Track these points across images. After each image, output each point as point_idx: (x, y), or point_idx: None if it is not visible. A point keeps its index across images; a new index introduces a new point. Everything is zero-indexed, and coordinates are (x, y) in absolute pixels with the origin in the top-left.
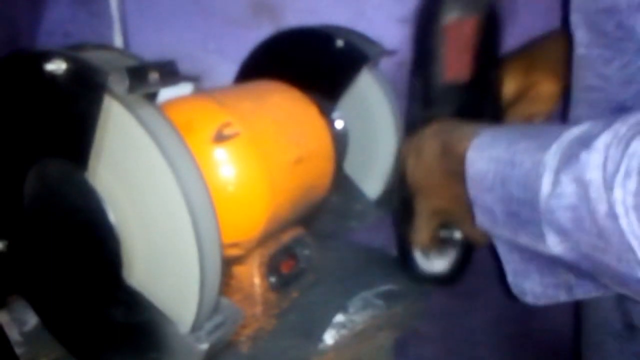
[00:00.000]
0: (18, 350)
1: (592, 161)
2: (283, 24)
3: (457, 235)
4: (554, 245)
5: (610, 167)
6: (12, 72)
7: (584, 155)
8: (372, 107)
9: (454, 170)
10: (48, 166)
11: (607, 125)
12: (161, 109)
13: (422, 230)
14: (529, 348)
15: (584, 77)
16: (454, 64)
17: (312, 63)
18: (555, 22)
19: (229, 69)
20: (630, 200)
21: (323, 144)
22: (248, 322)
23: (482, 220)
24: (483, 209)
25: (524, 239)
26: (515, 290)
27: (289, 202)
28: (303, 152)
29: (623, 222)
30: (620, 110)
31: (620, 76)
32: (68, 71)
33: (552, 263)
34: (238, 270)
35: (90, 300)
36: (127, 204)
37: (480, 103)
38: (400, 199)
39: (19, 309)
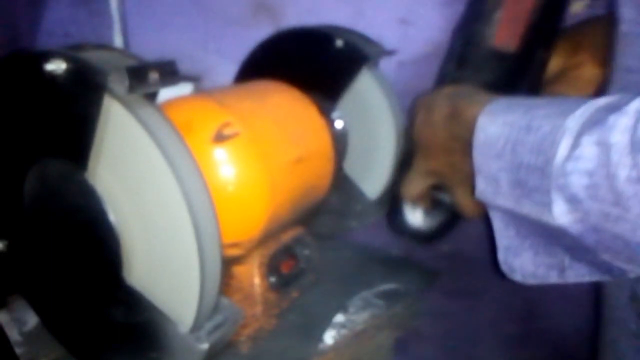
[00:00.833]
0: (18, 350)
1: (621, 124)
2: (283, 24)
3: (447, 199)
4: (560, 214)
5: None
6: (12, 72)
7: (612, 118)
8: (372, 107)
9: (460, 135)
10: (48, 166)
11: None
12: (161, 109)
13: (414, 184)
14: (529, 348)
15: (623, 57)
16: (505, 31)
17: (312, 63)
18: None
19: (229, 69)
20: None
21: (323, 144)
22: (248, 322)
23: (483, 190)
24: (487, 178)
25: (528, 209)
26: (504, 267)
27: (289, 202)
28: (303, 152)
29: None
30: None
31: None
32: (68, 71)
33: (549, 241)
34: (238, 270)
35: (90, 300)
36: (127, 204)
37: (519, 78)
38: (404, 150)
39: (19, 309)
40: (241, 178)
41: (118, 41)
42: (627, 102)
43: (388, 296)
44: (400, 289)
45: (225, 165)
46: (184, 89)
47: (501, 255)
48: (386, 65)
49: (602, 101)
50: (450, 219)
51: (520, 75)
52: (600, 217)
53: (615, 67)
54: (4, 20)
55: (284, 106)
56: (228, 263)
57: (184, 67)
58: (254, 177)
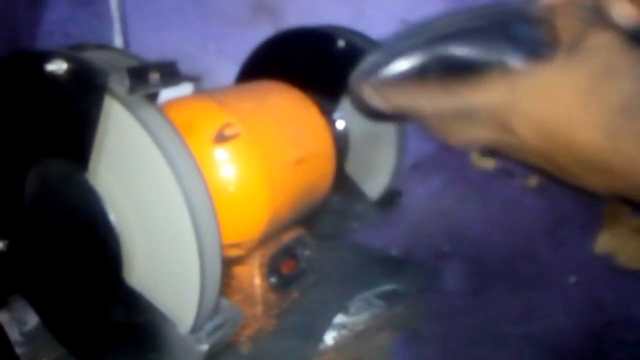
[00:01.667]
0: (18, 350)
1: None
2: (283, 24)
3: None
4: None
5: None
6: (12, 72)
7: None
8: None
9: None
10: (49, 166)
11: None
12: (162, 110)
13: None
14: (529, 348)
15: None
16: None
17: (313, 63)
18: None
19: (229, 69)
20: None
21: (324, 144)
22: (248, 322)
23: None
24: None
25: None
26: None
27: (290, 203)
28: (304, 152)
29: None
30: None
31: None
32: (69, 71)
33: None
34: (238, 270)
35: (91, 300)
36: (128, 204)
37: None
38: None
39: (19, 309)
40: (242, 178)
41: (118, 41)
42: None
43: (388, 296)
44: (400, 290)
45: (225, 166)
46: (184, 89)
47: None
48: None
49: None
50: None
51: None
52: None
53: None
54: (4, 20)
55: (284, 106)
56: (228, 263)
57: (184, 67)
58: (255, 177)
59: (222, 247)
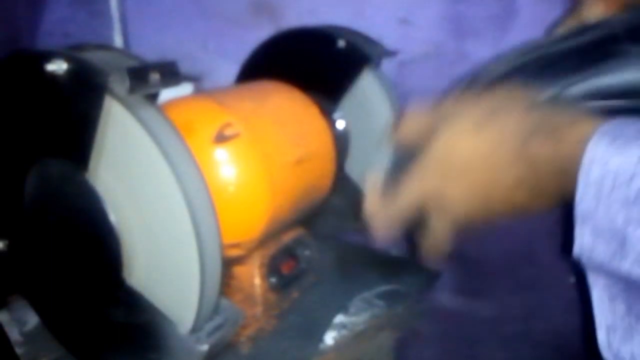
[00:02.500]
0: (18, 350)
1: None
2: (283, 24)
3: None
4: None
5: None
6: (13, 72)
7: None
8: (373, 107)
9: (549, 161)
10: (49, 166)
11: None
12: (162, 110)
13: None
14: (529, 348)
15: None
16: None
17: (313, 63)
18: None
19: (229, 69)
20: None
21: (324, 145)
22: (248, 322)
23: (591, 246)
24: (602, 231)
25: None
26: (606, 352)
27: (290, 203)
28: (304, 152)
29: None
30: None
31: None
32: (69, 71)
33: None
34: (238, 270)
35: (91, 300)
36: (128, 205)
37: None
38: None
39: (19, 309)
40: (242, 179)
41: (118, 41)
42: None
43: (388, 297)
44: (400, 290)
45: (226, 166)
46: (184, 89)
47: (602, 337)
48: (386, 65)
49: None
50: None
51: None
52: None
53: None
54: (4, 20)
55: (285, 107)
56: (228, 263)
57: (184, 67)
58: (255, 177)
59: (222, 247)
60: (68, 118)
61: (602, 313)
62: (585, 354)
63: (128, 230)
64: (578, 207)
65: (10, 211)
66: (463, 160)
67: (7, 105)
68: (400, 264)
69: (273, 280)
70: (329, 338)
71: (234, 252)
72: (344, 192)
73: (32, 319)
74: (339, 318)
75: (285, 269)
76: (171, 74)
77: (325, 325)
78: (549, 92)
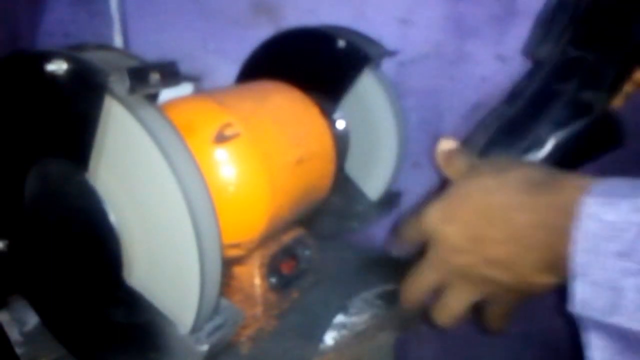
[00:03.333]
0: (18, 350)
1: None
2: (283, 24)
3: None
4: None
5: None
6: (13, 72)
7: None
8: (373, 107)
9: (547, 222)
10: (49, 166)
11: None
12: (162, 110)
13: (457, 299)
14: (529, 348)
15: None
16: None
17: (313, 63)
18: None
19: (229, 69)
20: None
21: (324, 145)
22: (248, 322)
23: (587, 301)
24: (598, 285)
25: None
26: None
27: (290, 203)
28: (304, 152)
29: None
30: None
31: None
32: (69, 71)
33: None
34: (238, 270)
35: (91, 300)
36: (128, 205)
37: None
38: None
39: (19, 309)
40: (242, 179)
41: (118, 41)
42: None
43: (388, 297)
44: (400, 290)
45: (226, 166)
46: (184, 89)
47: None
48: (386, 65)
49: None
50: None
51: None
52: None
53: None
54: (4, 20)
55: (285, 107)
56: (229, 264)
57: (184, 67)
58: (255, 177)
59: (222, 247)
60: (68, 118)
61: None
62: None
63: (128, 230)
64: (573, 262)
65: (10, 211)
66: (495, 208)
67: (7, 106)
68: (400, 264)
69: (273, 280)
70: (329, 338)
71: (234, 252)
72: (344, 192)
73: (33, 319)
74: (339, 318)
75: (285, 269)
76: (171, 74)
77: (326, 325)
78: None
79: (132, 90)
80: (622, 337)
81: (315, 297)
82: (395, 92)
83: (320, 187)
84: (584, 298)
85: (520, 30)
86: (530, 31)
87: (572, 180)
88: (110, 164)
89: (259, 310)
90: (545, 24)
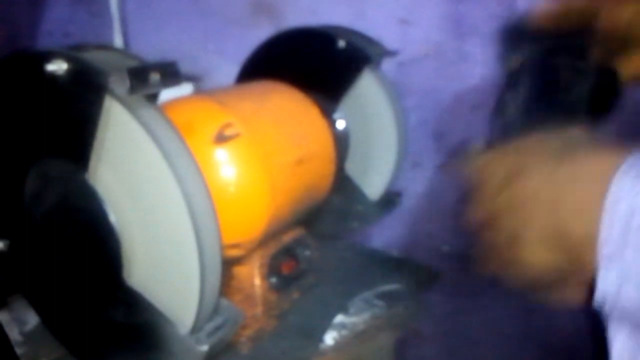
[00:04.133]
0: (18, 350)
1: None
2: (283, 24)
3: None
4: None
5: None
6: (13, 72)
7: None
8: (373, 107)
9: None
10: (49, 166)
11: None
12: (162, 110)
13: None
14: (529, 348)
15: None
16: None
17: (313, 63)
18: None
19: (229, 69)
20: None
21: (324, 145)
22: (248, 323)
23: (614, 290)
24: (630, 273)
25: None
26: None
27: (290, 203)
28: (304, 152)
29: None
30: None
31: None
32: (69, 72)
33: None
34: (238, 271)
35: (91, 300)
36: (128, 205)
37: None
38: None
39: (19, 309)
40: (242, 179)
41: (118, 41)
42: None
43: (388, 297)
44: (400, 290)
45: (226, 166)
46: (184, 89)
47: None
48: (386, 65)
49: None
50: None
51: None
52: None
53: None
54: (4, 20)
55: (285, 107)
56: (228, 264)
57: (184, 67)
58: (255, 178)
59: (222, 247)
60: (68, 118)
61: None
62: (585, 354)
63: (128, 230)
64: (603, 250)
65: (10, 211)
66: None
67: (7, 106)
68: (400, 264)
69: (273, 280)
70: (329, 338)
71: (234, 252)
72: (344, 192)
73: (33, 319)
74: (339, 318)
75: (285, 269)
76: (171, 74)
77: (326, 325)
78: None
79: (132, 90)
80: None
81: (315, 297)
82: (395, 92)
83: (320, 187)
84: (613, 289)
85: None
86: (498, 46)
87: (605, 156)
88: (110, 164)
89: (259, 310)
90: (510, 41)
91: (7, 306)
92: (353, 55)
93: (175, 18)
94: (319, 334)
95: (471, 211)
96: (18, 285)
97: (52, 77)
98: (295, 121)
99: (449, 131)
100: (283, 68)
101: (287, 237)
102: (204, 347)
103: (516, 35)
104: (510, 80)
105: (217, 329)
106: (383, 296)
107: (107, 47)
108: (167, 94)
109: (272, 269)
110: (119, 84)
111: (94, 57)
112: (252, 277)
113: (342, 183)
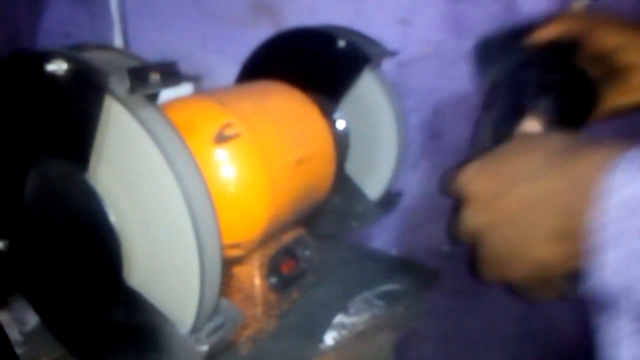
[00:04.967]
0: (18, 350)
1: None
2: (283, 24)
3: None
4: None
5: None
6: (13, 72)
7: None
8: (373, 107)
9: (574, 189)
10: (49, 166)
11: None
12: (162, 110)
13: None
14: (529, 348)
15: None
16: None
17: (313, 63)
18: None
19: (229, 69)
20: None
21: (324, 145)
22: (248, 323)
23: (620, 272)
24: (627, 255)
25: None
26: None
27: (290, 203)
28: (304, 152)
29: None
30: None
31: None
32: (69, 72)
33: None
34: (238, 270)
35: (91, 300)
36: (128, 205)
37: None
38: None
39: (19, 309)
40: (242, 179)
41: (118, 41)
42: None
43: (388, 297)
44: (400, 290)
45: (226, 166)
46: (184, 89)
47: None
48: (386, 65)
49: None
50: None
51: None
52: None
53: None
54: (4, 20)
55: (285, 107)
56: (228, 264)
57: (184, 67)
58: (255, 178)
59: (222, 247)
60: (68, 118)
61: (624, 346)
62: (584, 354)
63: (128, 230)
64: (600, 235)
65: (10, 211)
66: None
67: (7, 106)
68: (400, 264)
69: (273, 280)
70: (329, 338)
71: (234, 253)
72: (344, 192)
73: (33, 319)
74: (339, 318)
75: (285, 269)
76: (171, 74)
77: (326, 325)
78: None
79: (132, 90)
80: None
81: (315, 297)
82: (395, 92)
83: (320, 187)
84: (615, 270)
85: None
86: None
87: (600, 150)
88: (110, 164)
89: (259, 310)
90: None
91: (7, 306)
92: (353, 55)
93: (176, 18)
94: (319, 334)
95: (461, 226)
96: (18, 285)
97: (52, 77)
98: (295, 121)
99: (449, 131)
100: (283, 68)
101: (287, 237)
102: (204, 347)
103: (487, 54)
104: (485, 102)
105: (217, 329)
106: (383, 296)
107: (107, 47)
108: (167, 94)
109: (272, 269)
110: (119, 84)
111: (94, 57)
112: (252, 277)
113: (342, 183)
